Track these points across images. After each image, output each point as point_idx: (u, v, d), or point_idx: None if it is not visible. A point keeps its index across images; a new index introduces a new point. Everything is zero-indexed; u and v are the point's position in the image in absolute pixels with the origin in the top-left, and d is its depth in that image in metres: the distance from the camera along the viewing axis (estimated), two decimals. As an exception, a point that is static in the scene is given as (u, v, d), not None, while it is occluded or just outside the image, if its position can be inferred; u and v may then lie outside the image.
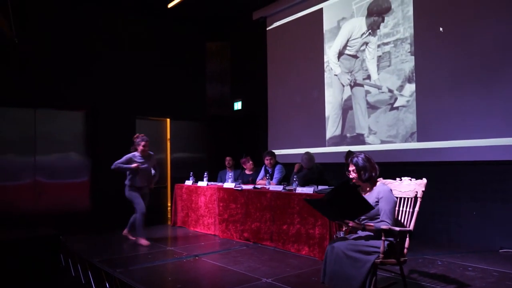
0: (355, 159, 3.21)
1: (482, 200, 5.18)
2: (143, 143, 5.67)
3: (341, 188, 2.92)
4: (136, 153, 5.69)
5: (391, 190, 3.16)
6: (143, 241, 5.55)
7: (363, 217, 3.14)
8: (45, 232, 4.97)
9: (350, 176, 3.25)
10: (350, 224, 3.08)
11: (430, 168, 5.59)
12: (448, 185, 5.47)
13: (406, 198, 3.35)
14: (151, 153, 5.90)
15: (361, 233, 3.17)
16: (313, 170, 5.95)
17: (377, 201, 3.09)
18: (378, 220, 3.06)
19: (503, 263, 4.31)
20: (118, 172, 5.65)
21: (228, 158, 7.26)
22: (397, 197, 3.37)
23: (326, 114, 7.09)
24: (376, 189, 3.16)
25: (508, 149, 4.89)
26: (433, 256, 4.67)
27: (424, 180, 3.29)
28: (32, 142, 6.99)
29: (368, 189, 3.22)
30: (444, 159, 5.50)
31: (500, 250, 4.88)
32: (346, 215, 3.06)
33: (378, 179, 3.25)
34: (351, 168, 3.22)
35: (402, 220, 3.32)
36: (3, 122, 6.77)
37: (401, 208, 3.36)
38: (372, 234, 3.06)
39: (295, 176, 5.54)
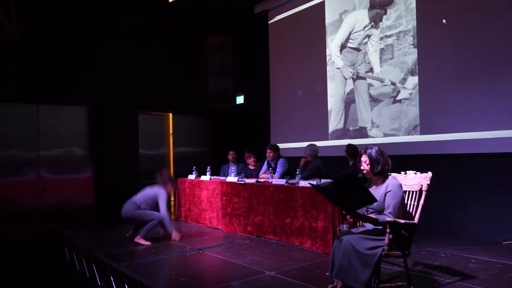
0: (369, 150, 3.18)
1: (485, 193, 5.17)
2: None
3: (345, 179, 2.90)
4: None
5: (400, 185, 3.14)
6: (143, 241, 5.35)
7: (370, 211, 3.13)
8: (49, 227, 4.99)
9: (361, 168, 3.21)
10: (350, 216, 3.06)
11: (434, 160, 5.58)
12: (452, 177, 5.46)
13: (411, 192, 3.34)
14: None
15: (368, 226, 3.17)
16: (319, 161, 5.97)
17: (385, 194, 3.08)
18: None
19: (507, 255, 4.31)
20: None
21: (231, 152, 7.26)
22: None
23: (329, 107, 7.07)
24: (387, 182, 3.15)
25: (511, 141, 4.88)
26: (436, 248, 4.67)
27: (429, 174, 3.28)
28: (35, 137, 7.00)
29: (379, 182, 3.20)
30: (447, 152, 5.48)
31: (503, 242, 4.87)
32: (348, 206, 3.03)
33: (389, 173, 3.24)
34: (364, 159, 3.19)
35: (407, 213, 3.32)
36: (6, 117, 6.78)
37: (406, 202, 3.35)
38: (379, 227, 3.05)
39: (298, 170, 5.53)
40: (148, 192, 5.54)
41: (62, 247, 4.99)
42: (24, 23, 6.45)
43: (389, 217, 2.98)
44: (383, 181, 3.17)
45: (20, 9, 6.38)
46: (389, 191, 3.07)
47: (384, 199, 3.07)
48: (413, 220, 3.20)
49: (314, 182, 4.93)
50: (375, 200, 2.93)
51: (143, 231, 5.37)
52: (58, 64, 7.12)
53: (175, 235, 5.44)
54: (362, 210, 3.14)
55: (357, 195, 2.90)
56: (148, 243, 5.30)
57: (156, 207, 5.45)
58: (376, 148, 3.19)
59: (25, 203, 6.84)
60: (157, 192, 5.49)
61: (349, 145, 5.85)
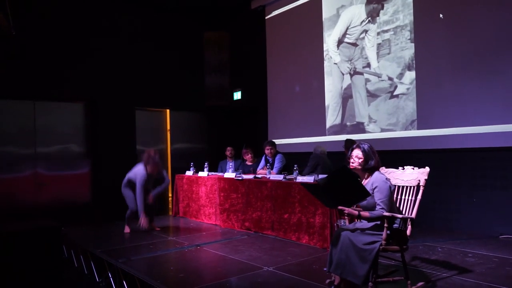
0: (363, 145, 3.21)
1: (482, 187, 5.19)
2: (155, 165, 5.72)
3: (339, 173, 2.91)
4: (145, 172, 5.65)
5: (386, 179, 3.14)
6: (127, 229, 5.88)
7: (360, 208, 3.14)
8: (46, 223, 4.97)
9: (351, 162, 3.22)
10: (346, 211, 3.06)
11: (430, 155, 5.59)
12: (449, 172, 5.48)
13: (409, 187, 3.35)
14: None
15: (365, 222, 3.17)
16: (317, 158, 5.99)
17: (372, 191, 3.09)
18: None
19: (503, 249, 4.33)
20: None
21: (229, 148, 7.27)
22: (399, 186, 3.37)
23: (326, 103, 7.07)
24: (372, 178, 3.16)
25: (508, 135, 4.89)
26: (433, 243, 4.69)
27: (427, 169, 3.29)
28: (32, 134, 6.98)
29: (365, 177, 3.22)
30: (444, 147, 5.50)
31: (500, 236, 4.90)
32: (342, 202, 3.04)
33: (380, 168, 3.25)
34: (356, 153, 3.20)
35: (404, 208, 3.32)
36: (3, 114, 6.74)
37: (403, 197, 3.36)
38: (378, 222, 3.05)
39: (295, 165, 5.53)
40: (134, 169, 5.79)
41: (60, 244, 4.97)
42: (20, 19, 6.41)
43: (383, 212, 2.99)
44: (369, 177, 3.19)
45: (16, 5, 6.34)
46: (375, 188, 3.08)
47: (373, 195, 3.08)
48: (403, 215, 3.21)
49: (311, 178, 4.95)
50: (369, 194, 2.94)
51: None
52: (55, 60, 7.08)
53: (143, 222, 5.55)
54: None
55: (351, 190, 2.90)
56: (127, 230, 5.84)
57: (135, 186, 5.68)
58: (368, 144, 3.23)
59: (22, 199, 6.82)
60: (137, 171, 5.67)
61: (348, 140, 5.86)
